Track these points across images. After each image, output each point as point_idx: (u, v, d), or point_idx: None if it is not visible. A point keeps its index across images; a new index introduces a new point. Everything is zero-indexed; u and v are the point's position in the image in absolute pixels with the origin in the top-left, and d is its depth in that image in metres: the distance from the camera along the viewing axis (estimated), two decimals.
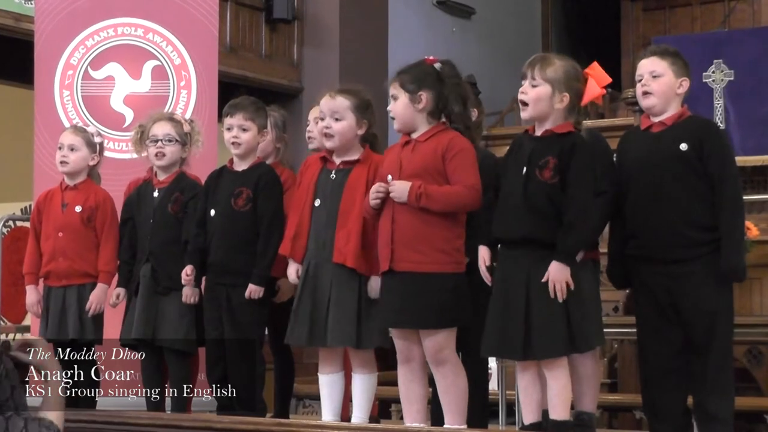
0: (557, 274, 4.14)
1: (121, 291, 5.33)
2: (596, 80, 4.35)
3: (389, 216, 4.33)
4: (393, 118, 4.43)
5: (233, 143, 5.05)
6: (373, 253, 4.53)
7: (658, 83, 4.50)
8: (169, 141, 5.31)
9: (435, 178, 4.29)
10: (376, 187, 4.36)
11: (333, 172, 4.70)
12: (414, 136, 4.40)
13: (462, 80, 4.54)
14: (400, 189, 4.28)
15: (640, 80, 4.54)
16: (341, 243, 4.58)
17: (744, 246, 4.55)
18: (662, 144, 4.46)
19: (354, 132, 4.70)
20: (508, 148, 4.53)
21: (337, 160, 4.72)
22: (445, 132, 4.37)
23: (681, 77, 4.52)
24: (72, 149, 5.48)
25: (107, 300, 5.36)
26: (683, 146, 4.42)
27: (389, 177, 4.36)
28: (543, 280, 4.14)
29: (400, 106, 4.39)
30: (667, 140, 4.46)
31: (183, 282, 5.07)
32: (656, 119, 4.53)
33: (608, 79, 4.37)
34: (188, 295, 5.08)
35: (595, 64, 4.40)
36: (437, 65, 4.43)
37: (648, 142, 4.52)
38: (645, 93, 4.52)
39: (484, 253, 4.38)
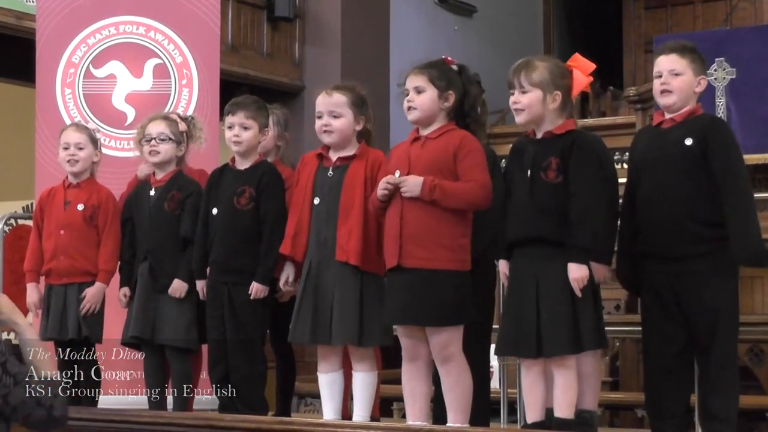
0: (575, 274, 4.16)
1: (127, 290, 5.31)
2: (580, 70, 4.36)
3: (397, 212, 4.33)
4: (411, 109, 4.41)
5: (234, 142, 5.05)
6: (376, 250, 4.54)
7: (678, 81, 4.46)
8: (162, 140, 5.31)
9: (445, 175, 4.29)
10: (385, 180, 4.35)
11: (330, 169, 4.71)
12: (424, 132, 4.41)
13: (480, 85, 4.58)
14: (413, 183, 4.27)
15: (659, 77, 4.50)
16: (343, 240, 4.58)
17: (759, 231, 4.44)
18: (669, 140, 4.45)
19: (353, 128, 4.72)
20: (509, 146, 4.53)
21: (334, 157, 4.73)
22: (455, 131, 4.38)
23: (699, 75, 4.50)
24: (80, 148, 5.48)
25: (117, 299, 5.35)
26: (688, 141, 4.40)
27: (397, 173, 4.36)
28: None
29: (427, 99, 4.39)
30: (674, 136, 4.45)
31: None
32: (669, 116, 4.52)
33: (592, 66, 4.38)
34: (177, 288, 5.11)
35: (577, 55, 4.42)
36: (455, 66, 4.48)
37: (656, 138, 4.52)
38: (664, 91, 4.49)
39: (503, 268, 4.43)
